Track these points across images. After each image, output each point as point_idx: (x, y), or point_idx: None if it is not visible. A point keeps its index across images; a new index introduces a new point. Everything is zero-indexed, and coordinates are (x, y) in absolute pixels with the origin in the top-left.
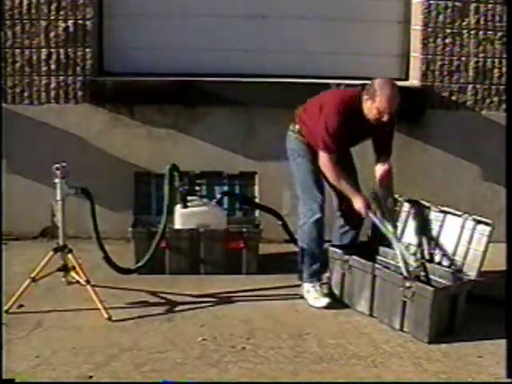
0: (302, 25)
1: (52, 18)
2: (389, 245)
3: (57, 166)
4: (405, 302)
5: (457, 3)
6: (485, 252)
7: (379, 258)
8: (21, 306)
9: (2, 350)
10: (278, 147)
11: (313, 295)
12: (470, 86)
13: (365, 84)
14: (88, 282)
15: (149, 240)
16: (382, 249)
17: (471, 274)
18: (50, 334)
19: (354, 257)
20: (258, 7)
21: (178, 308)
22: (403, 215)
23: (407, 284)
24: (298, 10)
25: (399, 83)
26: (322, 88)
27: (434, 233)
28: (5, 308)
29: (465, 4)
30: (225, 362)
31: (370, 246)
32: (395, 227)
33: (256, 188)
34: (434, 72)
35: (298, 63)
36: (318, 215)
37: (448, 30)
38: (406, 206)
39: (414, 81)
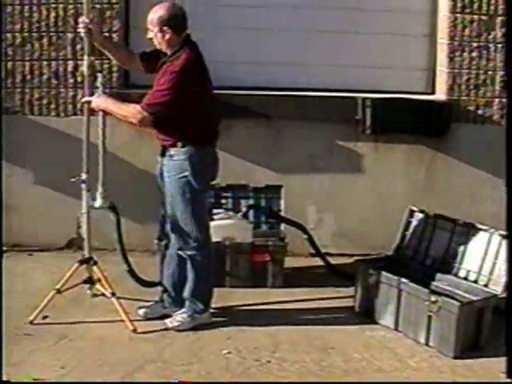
0: (329, 38)
1: (78, 30)
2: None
3: (83, 178)
4: (430, 317)
5: (483, 17)
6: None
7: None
8: (45, 317)
9: (1, 350)
10: (304, 160)
11: None
12: (497, 100)
13: None
14: (113, 294)
15: None
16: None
17: (497, 288)
18: (75, 345)
19: (380, 271)
20: (283, 20)
21: None
22: (428, 229)
23: (433, 298)
24: (325, 24)
25: (425, 97)
26: (347, 102)
27: (460, 247)
28: (29, 319)
29: (491, 17)
30: (249, 374)
31: (395, 260)
32: None
33: (282, 201)
34: (460, 86)
35: (324, 77)
36: None
37: (474, 44)
38: (432, 220)
39: (440, 95)
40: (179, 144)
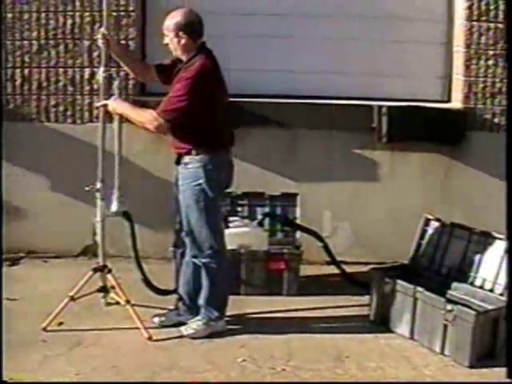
0: (345, 46)
1: (95, 37)
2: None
3: (97, 187)
4: (446, 326)
5: (499, 25)
6: None
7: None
8: (61, 323)
9: (1, 350)
10: (320, 168)
11: None
12: None
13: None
14: (128, 301)
15: None
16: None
17: None
18: (89, 352)
19: (396, 279)
20: (301, 29)
21: None
22: (444, 238)
23: (449, 307)
24: (341, 32)
25: (441, 105)
26: (364, 110)
27: (476, 256)
28: (43, 325)
29: None
30: (264, 383)
31: (411, 269)
32: None
33: (297, 209)
34: (477, 94)
35: (340, 85)
36: None
37: (490, 52)
38: (448, 229)
39: (456, 103)
40: (194, 152)
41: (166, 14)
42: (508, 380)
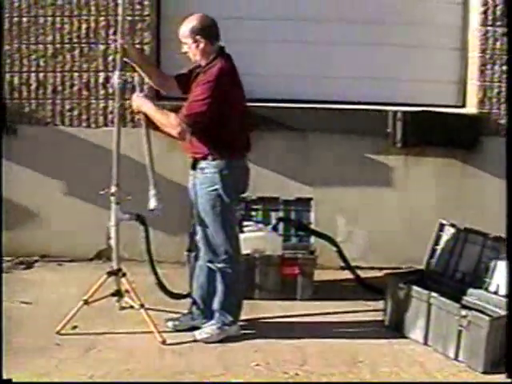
0: (360, 51)
1: (110, 42)
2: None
3: (112, 191)
4: (460, 331)
5: None
6: None
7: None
8: (75, 327)
9: (1, 350)
10: (335, 173)
11: None
12: None
13: None
14: (142, 305)
15: None
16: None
17: None
18: (103, 356)
19: (410, 285)
20: (316, 34)
21: None
22: (459, 243)
23: (463, 313)
24: (357, 37)
25: (456, 110)
26: (378, 115)
27: (490, 261)
28: (57, 329)
29: None
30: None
31: (425, 274)
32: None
33: (312, 214)
34: (492, 99)
35: (355, 90)
36: None
37: (505, 57)
38: (463, 234)
39: (471, 108)
40: (210, 157)
41: (181, 19)
42: (508, 380)
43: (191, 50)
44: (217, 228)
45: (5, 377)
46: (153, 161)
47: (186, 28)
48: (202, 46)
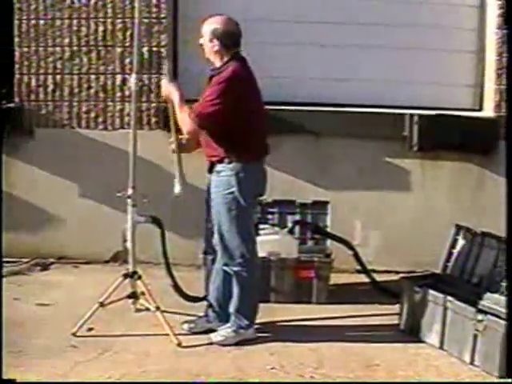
0: (376, 54)
1: (127, 44)
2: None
3: (128, 194)
4: (476, 336)
5: None
6: None
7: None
8: (91, 329)
9: (1, 350)
10: (351, 177)
11: None
12: None
13: None
14: (158, 308)
15: None
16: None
17: None
18: (119, 358)
19: (426, 289)
20: (332, 36)
21: None
22: (475, 247)
23: (479, 317)
24: (373, 40)
25: (473, 114)
26: (395, 118)
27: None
28: (73, 331)
29: None
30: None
31: (441, 278)
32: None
33: (328, 217)
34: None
35: (372, 93)
36: None
37: None
38: (479, 238)
39: (488, 112)
40: (226, 160)
41: (198, 20)
42: (508, 380)
43: (206, 48)
44: (233, 231)
45: (6, 377)
46: (178, 146)
47: (208, 27)
48: (216, 48)
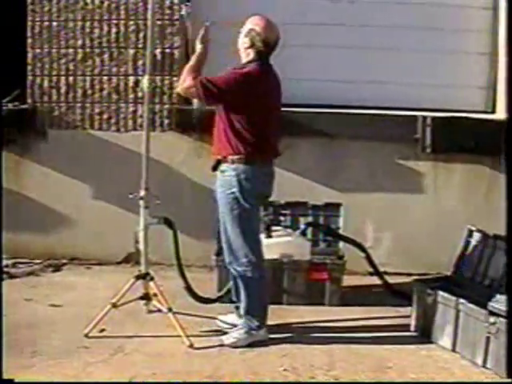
0: (390, 56)
1: (140, 46)
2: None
3: (141, 195)
4: (488, 338)
5: None
6: None
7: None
8: (102, 330)
9: (2, 350)
10: (363, 179)
11: None
12: None
13: None
14: (170, 309)
15: None
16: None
17: None
18: (131, 359)
19: (438, 291)
20: (347, 39)
21: None
22: (487, 249)
23: (492, 320)
24: (386, 42)
25: (486, 116)
26: (407, 120)
27: None
28: (85, 331)
29: None
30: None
31: (453, 280)
32: None
33: (340, 219)
34: None
35: (384, 95)
36: None
37: None
38: (491, 241)
39: (501, 114)
40: (230, 160)
41: (211, 21)
42: (508, 380)
43: (239, 40)
44: (236, 231)
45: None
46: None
47: (250, 26)
48: (246, 45)
